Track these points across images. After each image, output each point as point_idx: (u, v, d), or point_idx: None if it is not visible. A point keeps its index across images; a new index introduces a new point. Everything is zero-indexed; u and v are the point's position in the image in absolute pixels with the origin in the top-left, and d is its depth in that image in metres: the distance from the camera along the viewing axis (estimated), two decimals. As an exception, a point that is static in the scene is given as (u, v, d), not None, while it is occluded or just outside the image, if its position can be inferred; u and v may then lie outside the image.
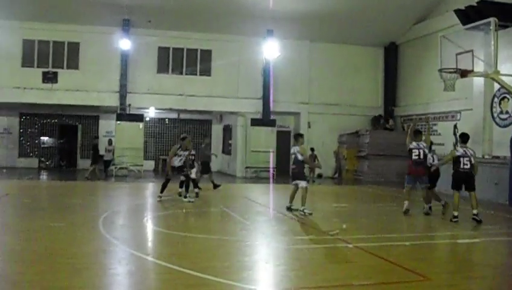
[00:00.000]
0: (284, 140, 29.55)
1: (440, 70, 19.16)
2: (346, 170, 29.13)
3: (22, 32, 27.46)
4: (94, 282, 6.77)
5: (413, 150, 13.85)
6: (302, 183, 13.39)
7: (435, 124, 25.40)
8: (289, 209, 13.60)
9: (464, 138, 13.13)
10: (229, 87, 28.83)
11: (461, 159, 12.54)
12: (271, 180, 25.31)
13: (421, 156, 13.77)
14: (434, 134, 25.56)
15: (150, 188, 20.57)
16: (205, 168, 19.40)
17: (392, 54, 30.45)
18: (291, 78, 29.13)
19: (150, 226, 11.73)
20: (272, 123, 28.10)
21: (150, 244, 9.88)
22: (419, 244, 9.94)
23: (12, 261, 7.80)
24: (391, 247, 9.48)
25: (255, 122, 27.96)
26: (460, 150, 12.71)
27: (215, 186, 19.47)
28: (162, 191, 15.53)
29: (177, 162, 15.54)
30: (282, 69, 28.13)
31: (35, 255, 8.16)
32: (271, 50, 25.71)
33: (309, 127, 29.40)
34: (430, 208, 13.94)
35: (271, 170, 26.74)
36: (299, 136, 13.87)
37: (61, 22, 26.95)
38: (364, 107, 30.32)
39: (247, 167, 28.09)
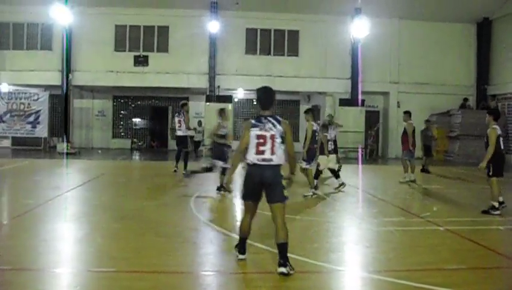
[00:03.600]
0: (372, 120, 29.19)
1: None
2: (436, 151, 28.43)
3: (114, 18, 28.42)
4: (186, 261, 6.98)
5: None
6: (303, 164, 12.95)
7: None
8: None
9: (497, 114, 11.27)
10: (316, 67, 28.70)
11: (500, 139, 10.72)
12: (360, 160, 25.07)
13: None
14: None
15: (239, 169, 20.80)
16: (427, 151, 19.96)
17: (485, 30, 29.28)
18: (380, 57, 28.62)
19: (240, 206, 11.89)
20: (360, 103, 27.75)
21: (239, 224, 10.02)
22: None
23: (110, 238, 8.15)
24: (484, 231, 9.24)
25: (343, 102, 27.72)
26: (498, 128, 10.82)
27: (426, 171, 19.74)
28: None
29: None
30: (370, 48, 27.64)
31: (131, 233, 8.48)
32: (359, 29, 25.29)
33: (398, 106, 28.85)
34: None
35: (360, 150, 26.49)
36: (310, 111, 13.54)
37: (151, 6, 27.72)
38: (455, 86, 29.35)
39: (335, 148, 27.93)
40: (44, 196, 11.91)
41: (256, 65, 28.55)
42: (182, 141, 17.95)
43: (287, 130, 6.53)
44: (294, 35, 29.30)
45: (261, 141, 6.44)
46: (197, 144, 27.15)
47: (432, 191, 14.82)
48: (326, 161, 14.20)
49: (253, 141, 6.48)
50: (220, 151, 13.29)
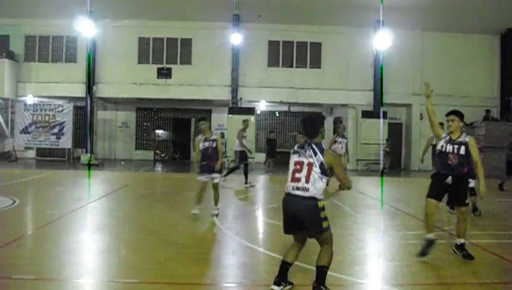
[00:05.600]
0: (395, 132, 29.04)
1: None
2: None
3: (138, 31, 28.78)
4: (209, 272, 6.99)
5: None
6: (217, 179, 11.35)
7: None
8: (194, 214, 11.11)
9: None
10: (339, 79, 28.69)
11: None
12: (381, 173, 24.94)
13: None
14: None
15: (261, 181, 20.81)
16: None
17: (508, 41, 29.08)
18: (402, 69, 28.53)
19: (261, 218, 11.90)
20: (383, 115, 27.61)
21: (262, 236, 10.03)
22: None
23: (133, 250, 8.18)
24: (509, 244, 9.12)
25: (365, 114, 27.64)
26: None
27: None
28: None
29: None
30: (393, 60, 27.59)
31: (154, 245, 8.51)
32: (381, 41, 25.21)
33: (421, 118, 28.69)
34: None
35: (381, 162, 26.39)
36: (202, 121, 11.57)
37: (174, 19, 27.95)
38: (479, 97, 29.10)
39: (358, 160, 27.84)
40: (67, 207, 12.01)
41: (278, 77, 28.64)
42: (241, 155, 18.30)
43: (332, 163, 5.85)
44: (316, 47, 29.35)
45: (298, 167, 5.89)
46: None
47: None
48: None
49: (291, 168, 5.97)
50: None
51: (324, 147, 5.96)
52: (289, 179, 5.96)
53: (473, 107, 28.41)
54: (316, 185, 5.79)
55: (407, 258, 7.98)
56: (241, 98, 28.47)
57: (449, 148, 7.97)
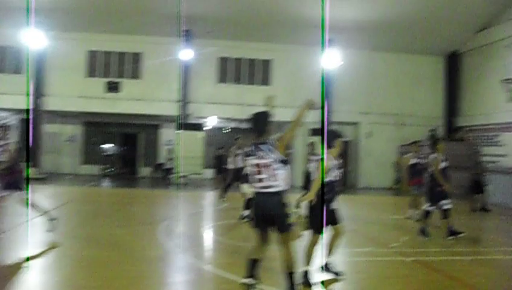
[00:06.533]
0: (342, 150, 29.29)
1: (505, 81, 18.66)
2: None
3: (86, 44, 28.39)
4: (154, 290, 6.90)
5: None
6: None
7: (497, 135, 24.68)
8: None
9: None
10: (288, 96, 28.73)
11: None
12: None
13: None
14: (496, 145, 24.78)
15: (209, 197, 20.72)
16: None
17: (453, 63, 29.80)
18: (350, 88, 28.91)
19: (209, 235, 11.83)
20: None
21: (209, 253, 9.96)
22: (482, 259, 9.69)
23: (77, 268, 8.02)
24: (452, 261, 9.28)
25: (314, 132, 27.86)
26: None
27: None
28: None
29: None
30: (341, 78, 27.92)
31: (98, 262, 8.37)
32: (330, 59, 25.52)
33: (367, 137, 29.13)
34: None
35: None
36: None
37: (124, 33, 27.72)
38: (424, 117, 29.69)
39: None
40: (8, 223, 11.69)
41: (228, 94, 28.66)
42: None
43: (284, 143, 6.29)
44: (266, 64, 29.53)
45: (257, 169, 6.12)
46: (168, 171, 27.12)
47: (400, 221, 14.89)
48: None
49: (251, 170, 6.22)
50: (438, 191, 11.65)
51: (271, 141, 6.24)
52: (253, 179, 6.21)
53: (418, 126, 29.04)
54: (280, 177, 6.04)
55: (352, 275, 8.04)
56: (189, 114, 28.34)
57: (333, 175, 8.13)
